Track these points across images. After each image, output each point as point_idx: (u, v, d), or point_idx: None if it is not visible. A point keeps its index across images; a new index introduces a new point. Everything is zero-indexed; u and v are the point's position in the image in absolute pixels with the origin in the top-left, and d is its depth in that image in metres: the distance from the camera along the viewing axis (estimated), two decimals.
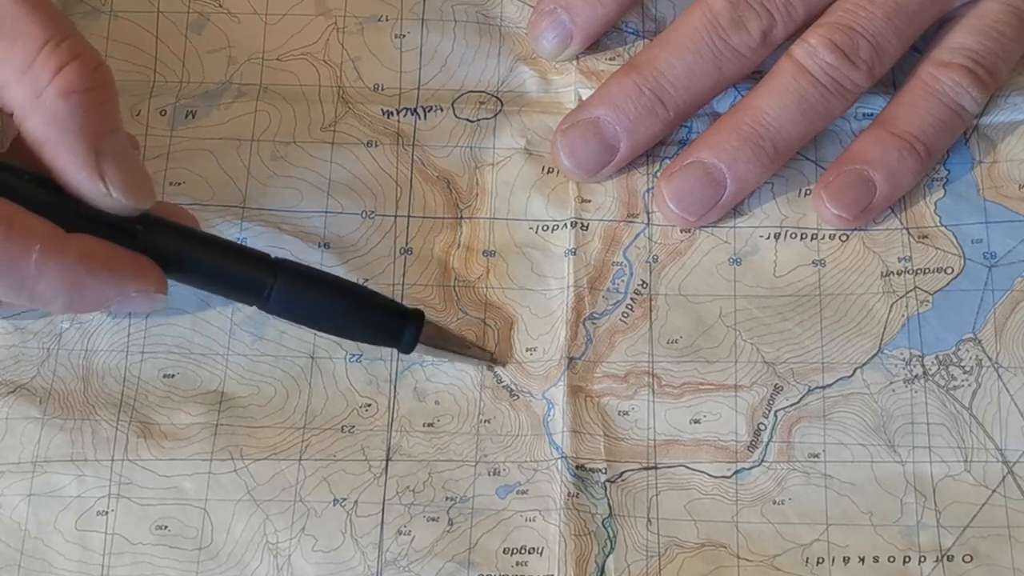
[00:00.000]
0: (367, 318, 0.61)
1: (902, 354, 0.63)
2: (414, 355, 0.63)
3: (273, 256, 0.61)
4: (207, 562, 0.59)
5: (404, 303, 0.63)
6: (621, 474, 0.61)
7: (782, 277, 0.65)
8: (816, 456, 0.61)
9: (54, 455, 0.61)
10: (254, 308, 0.62)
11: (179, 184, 0.66)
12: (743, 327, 0.64)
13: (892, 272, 0.65)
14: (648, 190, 0.67)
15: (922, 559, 0.60)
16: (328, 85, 0.69)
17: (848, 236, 0.65)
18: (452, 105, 0.68)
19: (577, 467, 0.61)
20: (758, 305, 0.64)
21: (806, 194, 0.66)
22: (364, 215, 0.66)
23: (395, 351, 0.63)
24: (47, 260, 0.56)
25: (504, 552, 0.60)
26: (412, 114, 0.68)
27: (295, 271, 0.61)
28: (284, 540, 0.60)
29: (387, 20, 0.70)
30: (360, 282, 0.64)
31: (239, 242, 0.63)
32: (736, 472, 0.61)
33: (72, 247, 0.57)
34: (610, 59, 0.69)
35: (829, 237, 0.66)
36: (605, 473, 0.61)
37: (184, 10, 0.70)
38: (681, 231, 0.66)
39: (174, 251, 0.59)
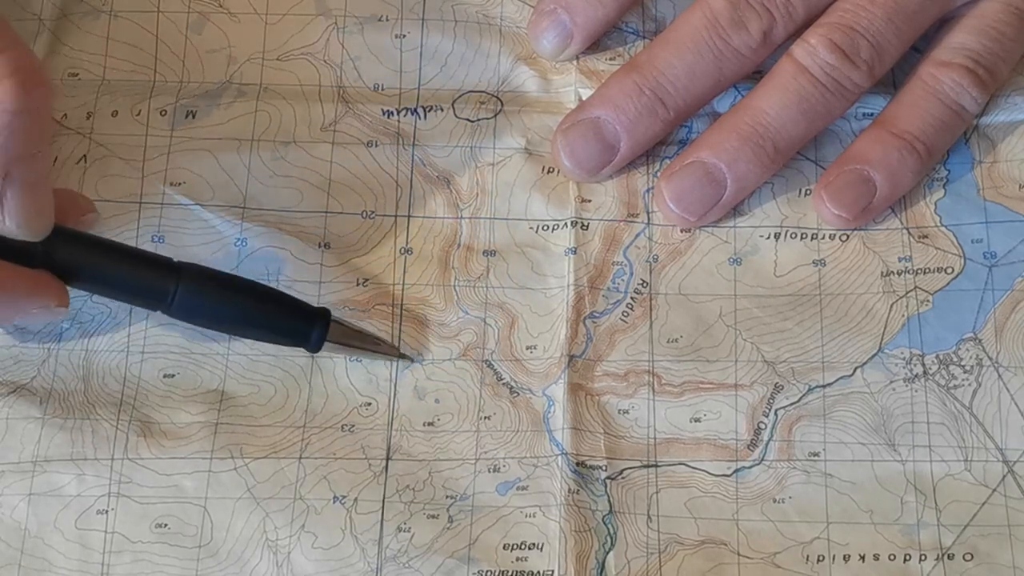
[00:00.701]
0: (272, 320, 0.61)
1: (902, 353, 0.63)
2: (413, 353, 0.63)
3: (177, 260, 0.61)
4: (207, 560, 0.59)
5: (403, 304, 0.63)
6: (621, 471, 0.61)
7: (782, 277, 0.65)
8: (816, 455, 0.61)
9: (54, 455, 0.61)
10: None
11: (179, 184, 0.66)
12: (743, 326, 0.64)
13: (892, 272, 0.65)
14: (648, 190, 0.67)
15: (922, 557, 0.59)
16: (328, 85, 0.69)
17: (848, 236, 0.65)
18: (452, 105, 0.68)
19: (577, 464, 0.61)
20: (758, 305, 0.64)
21: (806, 194, 0.66)
22: (364, 215, 0.66)
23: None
24: None
25: (504, 548, 0.60)
26: (412, 114, 0.68)
27: (197, 274, 0.60)
28: (284, 538, 0.60)
29: (387, 20, 0.70)
30: (360, 282, 0.64)
31: (141, 248, 0.62)
32: (736, 470, 0.61)
33: None
34: (610, 59, 0.69)
35: (829, 237, 0.66)
36: (605, 470, 0.61)
37: (184, 10, 0.70)
38: (681, 231, 0.66)
39: (73, 262, 0.59)
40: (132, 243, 0.63)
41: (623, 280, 0.65)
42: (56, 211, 0.58)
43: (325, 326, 0.61)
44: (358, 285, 0.64)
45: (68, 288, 0.60)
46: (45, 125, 0.55)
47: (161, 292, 0.60)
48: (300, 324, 0.61)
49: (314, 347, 0.62)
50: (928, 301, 0.64)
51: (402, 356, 0.63)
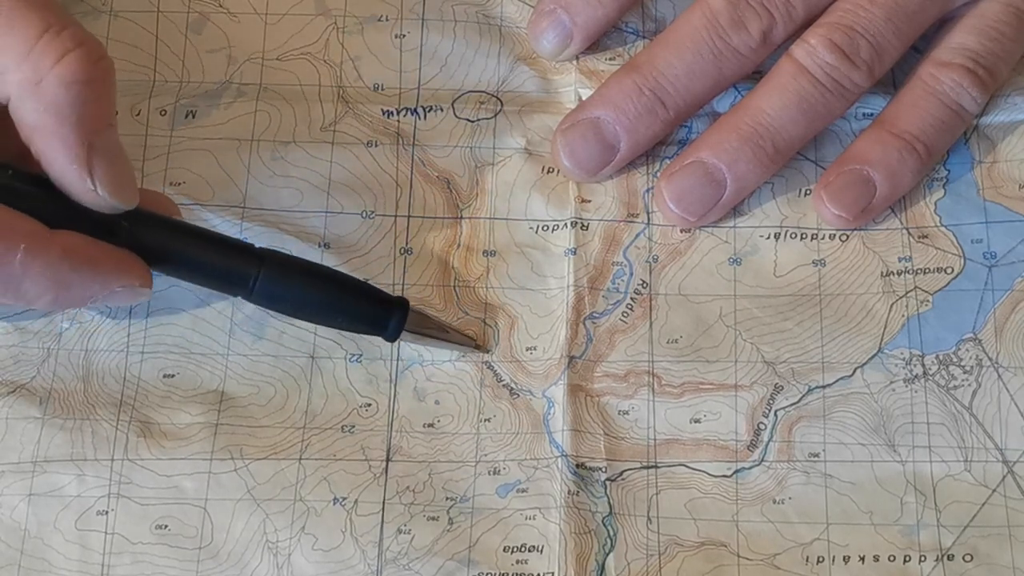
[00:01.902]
0: (351, 307, 0.61)
1: (902, 354, 0.63)
2: (413, 354, 0.63)
3: (258, 247, 0.61)
4: (207, 561, 0.60)
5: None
6: (621, 473, 0.61)
7: (782, 277, 0.65)
8: (816, 455, 0.61)
9: (54, 455, 0.61)
10: (253, 307, 0.63)
11: (179, 184, 0.66)
12: (743, 327, 0.64)
13: (892, 272, 0.65)
14: (648, 190, 0.67)
15: (922, 558, 0.60)
16: (328, 85, 0.69)
17: (848, 236, 0.65)
18: (452, 105, 0.68)
19: (577, 465, 0.61)
20: (758, 305, 0.64)
21: (806, 194, 0.66)
22: (364, 215, 0.66)
23: (391, 343, 0.63)
24: (32, 259, 0.56)
25: (504, 550, 0.60)
26: (412, 114, 0.68)
27: (279, 261, 0.61)
28: (284, 539, 0.60)
29: (387, 20, 0.70)
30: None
31: (221, 233, 0.62)
32: (736, 471, 0.61)
33: (56, 245, 0.56)
34: (610, 59, 0.69)
35: (829, 237, 0.66)
36: (605, 472, 0.61)
37: (184, 10, 0.70)
38: (681, 231, 0.66)
39: (158, 244, 0.59)
40: None
41: (623, 280, 0.65)
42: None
43: (403, 315, 0.61)
44: None
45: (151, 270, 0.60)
46: (113, 96, 0.57)
47: (243, 277, 0.60)
48: (379, 313, 0.61)
49: (391, 336, 0.62)
50: (928, 301, 0.64)
51: (477, 347, 0.64)
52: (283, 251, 0.61)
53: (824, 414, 0.62)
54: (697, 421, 0.62)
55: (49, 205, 0.57)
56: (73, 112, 0.54)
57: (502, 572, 0.59)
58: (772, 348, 0.63)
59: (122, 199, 0.57)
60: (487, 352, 0.64)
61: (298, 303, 0.61)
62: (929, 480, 0.61)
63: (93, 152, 0.55)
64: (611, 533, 0.60)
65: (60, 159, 0.55)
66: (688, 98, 0.66)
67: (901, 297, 0.64)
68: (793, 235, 0.66)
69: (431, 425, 0.62)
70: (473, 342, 0.63)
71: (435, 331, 0.63)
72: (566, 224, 0.66)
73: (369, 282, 0.63)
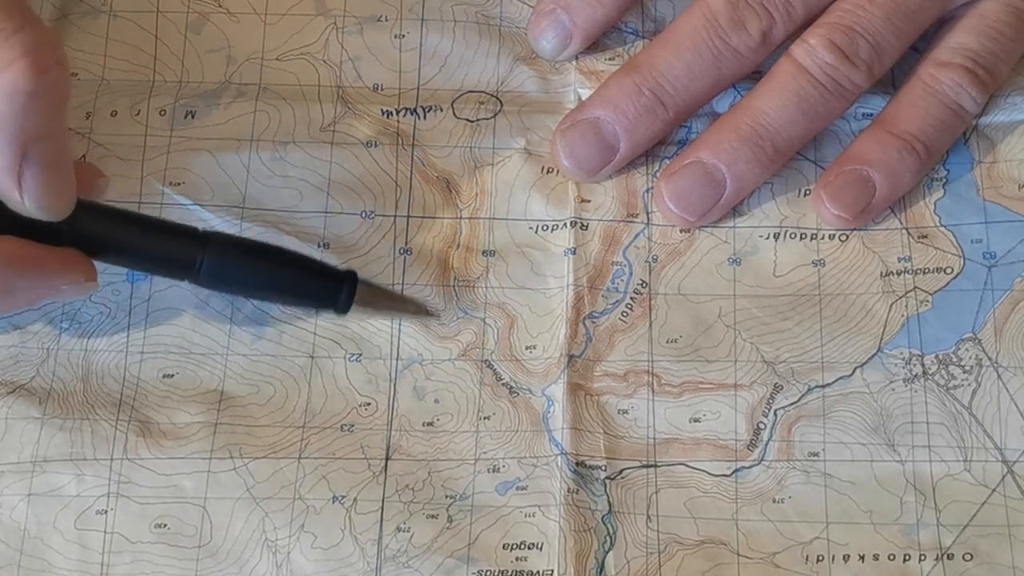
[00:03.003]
0: (300, 283, 0.61)
1: (902, 353, 0.63)
2: (413, 353, 0.63)
3: (202, 229, 0.61)
4: (206, 560, 0.59)
5: None
6: (621, 471, 0.61)
7: (782, 277, 0.65)
8: (816, 455, 0.61)
9: (54, 455, 0.61)
10: (252, 307, 0.63)
11: (179, 184, 0.66)
12: (743, 327, 0.64)
13: (892, 272, 0.65)
14: (648, 190, 0.67)
15: (922, 557, 0.60)
16: (328, 85, 0.69)
17: (848, 236, 0.65)
18: (452, 105, 0.68)
19: (577, 464, 0.61)
20: (758, 305, 0.64)
21: (806, 194, 0.66)
22: (364, 215, 0.66)
23: (342, 315, 0.63)
24: None
25: (504, 548, 0.60)
26: (412, 114, 0.68)
27: (224, 242, 0.60)
28: (283, 537, 0.60)
29: (387, 20, 0.70)
30: None
31: (166, 219, 0.62)
32: (736, 470, 0.61)
33: None
34: (610, 59, 0.69)
35: (829, 237, 0.66)
36: (605, 470, 0.61)
37: (184, 10, 0.70)
38: (681, 231, 0.66)
39: (100, 236, 0.59)
40: None
41: (623, 280, 0.65)
42: None
43: (352, 287, 0.61)
44: None
45: (96, 262, 0.60)
46: (62, 105, 0.54)
47: (188, 261, 0.60)
48: (328, 286, 0.61)
49: (342, 308, 0.62)
50: (928, 301, 0.64)
51: (429, 313, 0.64)
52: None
53: (824, 414, 0.62)
54: (697, 420, 0.62)
55: None
56: (12, 123, 0.52)
57: (501, 570, 0.59)
58: (772, 348, 0.63)
59: (51, 212, 0.56)
60: (438, 317, 0.64)
61: (247, 283, 0.61)
62: (929, 479, 0.61)
63: (27, 163, 0.54)
64: (611, 531, 0.60)
65: None
66: (688, 98, 0.66)
67: (901, 297, 0.64)
68: (793, 235, 0.66)
69: (430, 423, 0.62)
70: (423, 309, 0.64)
71: (386, 302, 0.63)
72: (566, 224, 0.66)
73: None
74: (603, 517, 0.60)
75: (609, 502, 0.61)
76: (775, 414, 0.62)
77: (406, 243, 0.66)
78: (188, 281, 0.61)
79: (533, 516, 0.60)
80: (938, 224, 0.66)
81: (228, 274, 0.60)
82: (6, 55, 0.51)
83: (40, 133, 0.54)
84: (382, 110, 0.68)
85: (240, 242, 0.61)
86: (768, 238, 0.66)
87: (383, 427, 0.62)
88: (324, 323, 0.64)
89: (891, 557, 0.60)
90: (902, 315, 0.64)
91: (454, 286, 0.65)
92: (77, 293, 0.60)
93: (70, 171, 0.57)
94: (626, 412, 0.62)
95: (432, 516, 0.60)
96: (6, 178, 0.54)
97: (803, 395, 0.63)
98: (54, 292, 0.59)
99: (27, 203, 0.55)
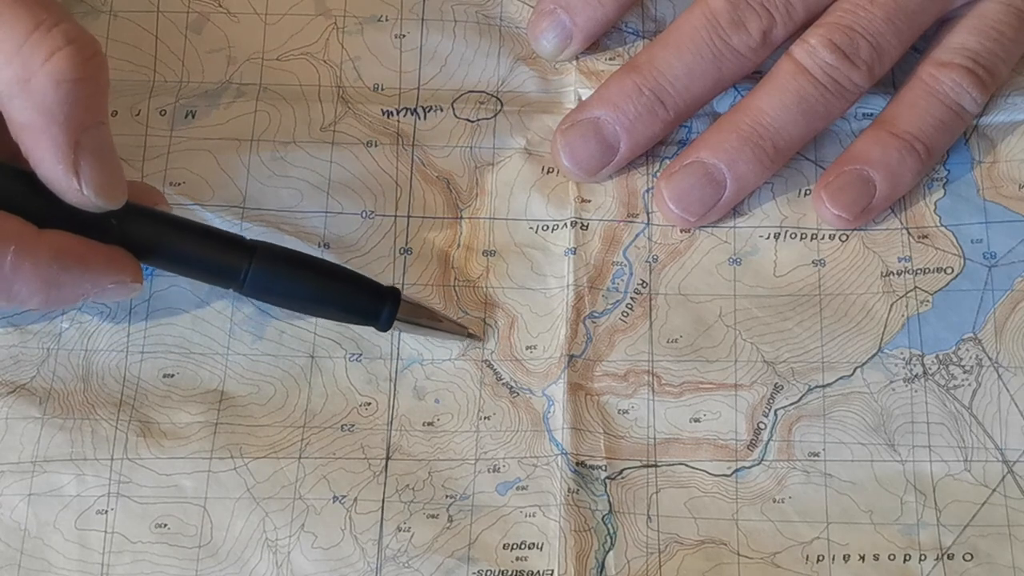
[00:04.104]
0: (343, 298, 0.61)
1: (902, 353, 0.63)
2: (413, 353, 0.63)
3: (249, 239, 0.61)
4: (207, 560, 0.59)
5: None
6: (621, 471, 0.61)
7: (782, 277, 0.65)
8: (816, 455, 0.61)
9: (54, 455, 0.61)
10: (253, 307, 0.63)
11: (179, 184, 0.66)
12: (743, 327, 0.64)
13: (892, 272, 0.65)
14: (648, 190, 0.67)
15: (922, 557, 0.60)
16: (328, 85, 0.69)
17: (848, 236, 0.65)
18: (452, 105, 0.68)
19: (577, 463, 0.61)
20: (758, 305, 0.64)
21: (806, 194, 0.66)
22: (364, 215, 0.66)
23: (387, 334, 0.63)
24: (22, 260, 0.56)
25: (504, 548, 0.60)
26: (412, 114, 0.68)
27: (270, 253, 0.61)
28: (283, 537, 0.60)
29: (387, 20, 0.70)
30: None
31: (214, 226, 0.62)
32: (736, 470, 0.61)
33: (45, 245, 0.56)
34: (610, 59, 0.69)
35: (829, 237, 0.66)
36: (605, 470, 0.61)
37: (184, 10, 0.70)
38: (681, 231, 0.66)
39: (148, 239, 0.59)
40: None
41: (623, 280, 0.65)
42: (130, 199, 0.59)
43: (395, 305, 0.62)
44: None
45: (142, 265, 0.60)
46: (105, 93, 0.56)
47: (234, 270, 0.60)
48: (371, 303, 0.62)
49: (384, 325, 0.62)
50: (928, 301, 0.64)
51: (471, 335, 0.64)
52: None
53: (824, 413, 0.62)
54: (697, 420, 0.62)
55: (37, 204, 0.57)
56: (61, 111, 0.54)
57: (502, 569, 0.59)
58: (772, 348, 0.63)
59: (109, 199, 0.57)
60: (480, 340, 0.64)
61: (290, 295, 0.61)
62: (929, 479, 0.61)
63: (81, 152, 0.55)
64: (611, 531, 0.60)
65: (47, 158, 0.55)
66: (688, 98, 0.66)
67: (901, 297, 0.64)
68: (793, 235, 0.66)
69: (431, 423, 0.62)
70: (465, 330, 0.63)
71: (427, 320, 0.63)
72: (566, 224, 0.66)
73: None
74: (603, 517, 0.60)
75: (609, 502, 0.61)
76: (775, 414, 0.62)
77: (406, 243, 0.66)
78: (232, 289, 0.61)
79: (533, 516, 0.60)
80: (938, 224, 0.66)
81: (272, 285, 0.60)
82: (51, 43, 0.53)
83: (89, 120, 0.55)
84: (382, 110, 0.68)
85: (287, 253, 0.61)
86: (768, 238, 0.66)
87: (383, 427, 0.62)
88: (324, 323, 0.64)
89: (891, 557, 0.60)
90: (902, 315, 0.64)
91: (454, 286, 0.65)
92: (122, 293, 0.60)
93: (118, 161, 0.58)
94: (626, 412, 0.62)
95: (432, 516, 0.60)
96: (64, 166, 0.55)
97: (803, 395, 0.63)
98: (99, 290, 0.59)
99: (85, 191, 0.56)
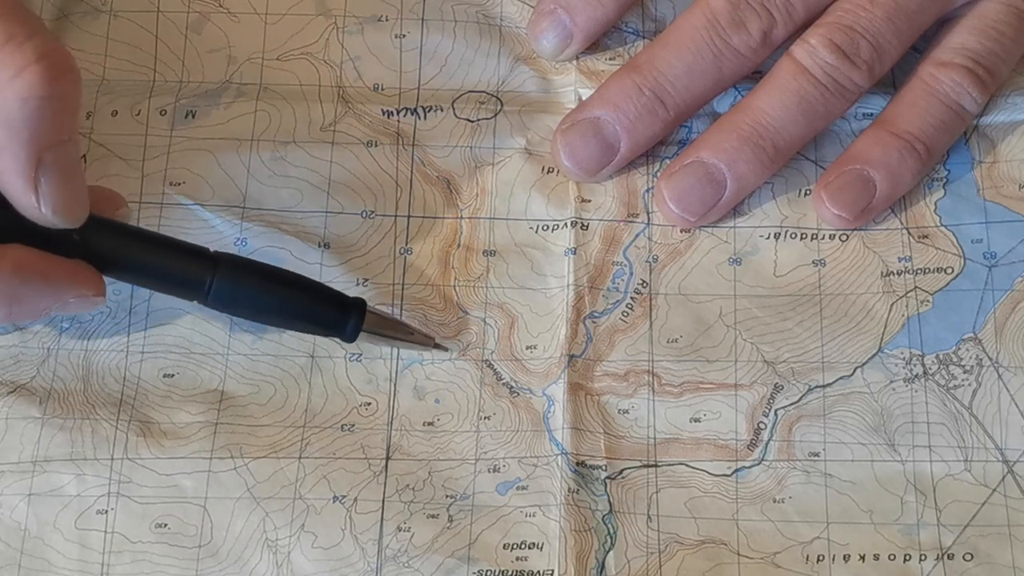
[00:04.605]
0: (308, 309, 0.61)
1: (902, 353, 0.63)
2: (413, 353, 0.63)
3: (213, 250, 0.61)
4: (207, 560, 0.59)
5: (403, 304, 0.63)
6: (621, 471, 0.61)
7: (782, 277, 0.65)
8: (816, 455, 0.61)
9: (54, 454, 0.61)
10: None
11: (179, 184, 0.66)
12: (743, 326, 0.64)
13: (892, 272, 0.65)
14: (648, 190, 0.67)
15: (923, 557, 0.60)
16: (328, 85, 0.69)
17: (848, 236, 0.65)
18: (452, 105, 0.68)
19: (577, 463, 0.61)
20: (758, 305, 0.64)
21: (806, 194, 0.66)
22: (364, 215, 0.66)
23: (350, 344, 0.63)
24: None
25: (504, 547, 0.60)
26: (412, 114, 0.68)
27: (234, 265, 0.60)
28: (284, 537, 0.60)
29: (387, 20, 0.70)
30: (360, 282, 0.64)
31: (177, 238, 0.62)
32: (736, 470, 0.61)
33: (6, 260, 0.56)
34: (610, 59, 0.69)
35: (829, 237, 0.66)
36: (605, 470, 0.61)
37: (184, 10, 0.70)
38: (681, 231, 0.66)
39: (110, 252, 0.59)
40: None
41: (623, 280, 0.65)
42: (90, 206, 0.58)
43: (360, 316, 0.61)
44: (358, 285, 0.64)
45: (105, 278, 0.60)
46: (75, 111, 0.55)
47: (198, 282, 0.60)
48: (336, 314, 0.61)
49: (349, 337, 0.62)
50: (928, 301, 0.64)
51: (437, 346, 0.63)
52: (283, 252, 0.62)
53: (824, 413, 0.62)
54: (697, 420, 0.62)
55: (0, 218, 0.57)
56: (26, 127, 0.53)
57: (502, 569, 0.59)
58: (772, 348, 0.63)
59: (68, 218, 0.56)
60: (446, 351, 0.64)
61: (255, 307, 0.61)
62: (929, 479, 0.61)
63: (42, 169, 0.54)
64: (611, 531, 0.60)
65: (8, 174, 0.54)
66: (688, 98, 0.66)
67: (901, 297, 0.64)
68: (793, 235, 0.66)
69: (431, 423, 0.62)
70: (432, 341, 0.63)
71: (394, 331, 0.63)
72: (566, 224, 0.66)
73: (367, 282, 0.63)
74: (603, 517, 0.60)
75: (609, 502, 0.61)
76: (775, 414, 0.62)
77: (406, 243, 0.66)
78: (197, 302, 0.61)
79: (534, 516, 0.60)
80: (938, 224, 0.66)
81: (237, 297, 0.60)
82: (20, 59, 0.52)
83: (54, 138, 0.54)
84: (382, 110, 0.68)
85: (251, 265, 0.61)
86: (768, 238, 0.66)
87: (383, 427, 0.62)
88: None
89: (891, 557, 0.60)
90: (902, 315, 0.64)
91: (454, 286, 0.65)
92: (84, 307, 0.60)
93: (83, 179, 0.57)
94: (626, 412, 0.62)
95: (432, 516, 0.60)
96: (23, 184, 0.54)
97: (803, 395, 0.63)
98: (60, 304, 0.58)
99: (44, 209, 0.55)
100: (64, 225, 0.57)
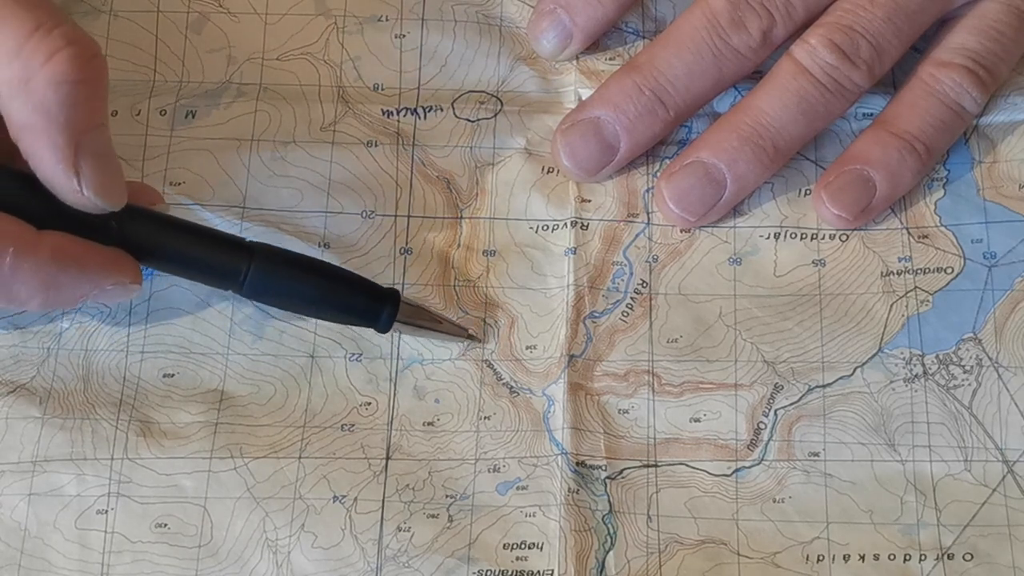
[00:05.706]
0: (343, 299, 0.61)
1: (902, 353, 0.63)
2: (413, 353, 0.63)
3: (248, 240, 0.61)
4: (207, 560, 0.59)
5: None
6: (621, 471, 0.61)
7: (782, 277, 0.65)
8: (816, 455, 0.61)
9: (54, 454, 0.61)
10: (253, 307, 0.63)
11: (179, 184, 0.66)
12: (743, 326, 0.64)
13: (892, 272, 0.65)
14: (648, 190, 0.67)
15: (922, 557, 0.60)
16: (328, 85, 0.69)
17: (848, 236, 0.65)
18: (452, 105, 0.68)
19: (577, 463, 0.61)
20: (758, 305, 0.64)
21: (806, 194, 0.66)
22: (364, 215, 0.66)
23: (385, 336, 0.63)
24: (21, 261, 0.56)
25: (504, 547, 0.60)
26: (412, 114, 0.68)
27: (270, 254, 0.61)
28: (284, 537, 0.60)
29: (387, 20, 0.70)
30: None
31: (214, 228, 0.62)
32: (736, 470, 0.61)
33: (45, 246, 0.56)
34: (610, 59, 0.69)
35: (829, 237, 0.66)
36: (605, 470, 0.61)
37: (184, 10, 0.70)
38: (681, 231, 0.66)
39: (147, 240, 0.59)
40: None
41: (623, 280, 0.65)
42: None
43: (395, 306, 0.62)
44: None
45: (141, 266, 0.60)
46: (105, 96, 0.56)
47: (233, 272, 0.60)
48: (370, 304, 0.61)
49: (383, 327, 0.62)
50: (928, 301, 0.64)
51: (470, 336, 0.64)
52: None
53: (824, 413, 0.62)
54: (697, 420, 0.62)
55: (36, 205, 0.57)
56: (62, 112, 0.54)
57: (502, 569, 0.59)
58: (772, 348, 0.63)
59: (109, 200, 0.57)
60: (479, 342, 0.64)
61: (289, 296, 0.61)
62: (929, 479, 0.61)
63: (81, 153, 0.55)
64: (611, 531, 0.60)
65: (47, 159, 0.55)
66: (688, 98, 0.66)
67: (901, 297, 0.64)
68: (793, 235, 0.66)
69: (431, 423, 0.62)
70: (465, 332, 0.63)
71: (427, 322, 0.63)
72: (566, 224, 0.66)
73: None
74: (603, 517, 0.60)
75: (609, 502, 0.61)
76: (775, 414, 0.62)
77: (406, 243, 0.66)
78: (232, 291, 0.61)
79: (533, 516, 0.60)
80: (938, 224, 0.66)
81: (272, 287, 0.60)
82: (51, 45, 0.53)
83: (90, 122, 0.55)
84: (382, 110, 0.68)
85: (286, 255, 0.61)
86: (768, 238, 0.66)
87: (383, 427, 0.62)
88: (324, 323, 0.64)
89: (891, 557, 0.60)
90: (902, 315, 0.64)
91: (454, 286, 0.65)
92: (121, 295, 0.60)
93: (118, 163, 0.58)
94: (626, 412, 0.62)
95: (432, 516, 0.60)
96: (64, 169, 0.55)
97: (803, 395, 0.63)
98: (98, 291, 0.58)
99: (86, 192, 0.56)
100: (105, 208, 0.57)
